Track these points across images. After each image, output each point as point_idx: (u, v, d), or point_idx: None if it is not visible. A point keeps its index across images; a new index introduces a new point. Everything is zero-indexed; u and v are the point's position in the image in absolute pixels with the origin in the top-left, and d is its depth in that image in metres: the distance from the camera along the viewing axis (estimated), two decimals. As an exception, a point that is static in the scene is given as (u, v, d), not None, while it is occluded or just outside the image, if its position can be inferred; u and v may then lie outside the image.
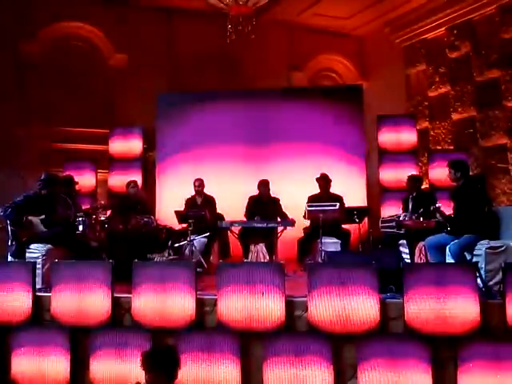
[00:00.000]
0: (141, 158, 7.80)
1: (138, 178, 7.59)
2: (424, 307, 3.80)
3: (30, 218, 4.95)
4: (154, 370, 2.99)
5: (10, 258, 4.98)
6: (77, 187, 6.26)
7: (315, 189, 6.77)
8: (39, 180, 5.22)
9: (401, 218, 5.75)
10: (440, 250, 4.72)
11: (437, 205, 4.89)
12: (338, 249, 6.06)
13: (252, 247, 6.35)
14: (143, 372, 3.05)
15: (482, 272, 4.36)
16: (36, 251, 4.88)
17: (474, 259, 4.51)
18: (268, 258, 6.22)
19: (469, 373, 3.64)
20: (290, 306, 4.00)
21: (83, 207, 6.27)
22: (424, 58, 8.99)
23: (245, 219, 6.61)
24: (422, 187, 6.59)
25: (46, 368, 4.08)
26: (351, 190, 7.35)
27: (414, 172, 7.03)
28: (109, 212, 6.47)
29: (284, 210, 6.75)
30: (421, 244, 5.20)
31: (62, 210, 5.21)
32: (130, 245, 5.58)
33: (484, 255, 4.46)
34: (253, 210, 6.69)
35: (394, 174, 7.33)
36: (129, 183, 6.75)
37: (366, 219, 6.55)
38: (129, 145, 7.82)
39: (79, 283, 4.18)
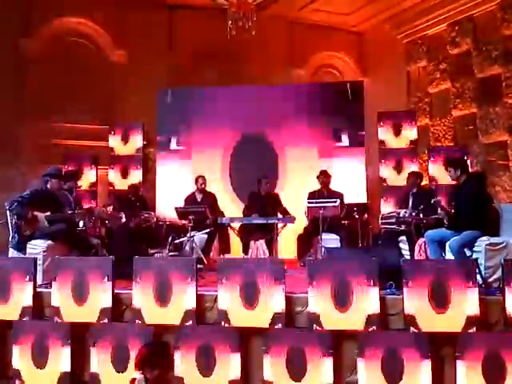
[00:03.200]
0: (141, 154, 7.80)
1: (138, 174, 7.63)
2: (424, 303, 3.81)
3: (35, 213, 4.96)
4: (149, 368, 3.01)
5: (11, 251, 5.00)
6: (78, 183, 6.28)
7: (315, 185, 6.79)
8: (45, 174, 5.22)
9: (401, 215, 5.75)
10: (439, 244, 4.74)
11: (437, 198, 4.90)
12: (338, 245, 6.07)
13: (252, 243, 6.36)
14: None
15: (482, 268, 4.37)
16: (37, 247, 4.89)
17: (474, 255, 4.51)
18: (268, 254, 6.23)
19: (468, 369, 3.65)
20: (290, 301, 4.02)
21: (83, 204, 6.30)
22: (425, 55, 8.97)
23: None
24: (422, 184, 6.59)
25: (46, 363, 4.10)
26: (351, 186, 7.35)
27: (414, 168, 7.04)
28: (109, 208, 6.49)
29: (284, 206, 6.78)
30: (421, 240, 5.20)
31: (67, 209, 5.23)
32: (131, 241, 5.59)
33: (484, 252, 4.47)
34: (252, 206, 6.70)
35: (395, 171, 7.33)
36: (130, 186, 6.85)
37: (365, 215, 6.55)
38: (129, 141, 7.82)
39: (80, 279, 4.19)
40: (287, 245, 6.54)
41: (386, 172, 7.41)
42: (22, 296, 4.25)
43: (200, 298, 4.11)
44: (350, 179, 7.49)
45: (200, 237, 6.18)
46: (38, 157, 7.60)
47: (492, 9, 7.82)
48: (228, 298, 4.00)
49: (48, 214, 5.02)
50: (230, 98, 7.91)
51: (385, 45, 9.46)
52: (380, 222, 6.09)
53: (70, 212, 5.22)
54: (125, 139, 7.81)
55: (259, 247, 6.29)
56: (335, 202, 5.96)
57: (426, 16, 8.70)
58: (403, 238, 5.62)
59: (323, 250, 5.57)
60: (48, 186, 5.19)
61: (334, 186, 6.79)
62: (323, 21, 9.52)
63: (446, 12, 8.40)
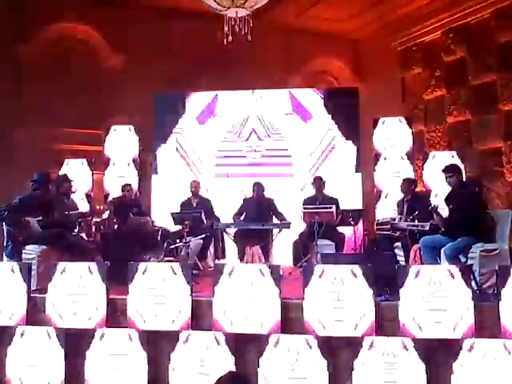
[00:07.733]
0: (137, 159, 7.79)
1: (134, 179, 7.60)
2: (419, 309, 3.82)
3: (27, 218, 4.94)
4: None
5: (5, 259, 4.97)
6: (73, 188, 6.23)
7: (311, 191, 6.80)
8: (32, 181, 5.21)
9: (396, 221, 5.76)
10: (434, 250, 4.75)
11: (434, 204, 4.90)
12: (333, 251, 6.07)
13: (247, 249, 6.35)
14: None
15: (477, 275, 4.38)
16: (31, 252, 4.87)
17: (469, 262, 4.53)
18: (263, 260, 6.23)
19: (462, 376, 3.66)
20: (285, 308, 4.01)
21: (79, 209, 6.27)
22: (420, 62, 9.04)
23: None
24: (417, 190, 6.61)
25: (40, 370, 4.07)
26: (346, 192, 7.37)
27: (409, 175, 7.06)
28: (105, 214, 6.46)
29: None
30: (416, 247, 5.21)
31: (59, 211, 5.21)
32: (126, 246, 5.57)
33: (478, 258, 4.49)
34: (243, 210, 6.69)
35: (389, 177, 7.35)
36: (124, 186, 6.75)
37: (361, 222, 6.56)
38: (125, 146, 7.81)
39: (74, 285, 4.17)
40: (283, 251, 6.53)
41: (381, 178, 7.42)
42: (16, 302, 4.22)
43: (195, 304, 4.10)
44: (345, 185, 7.51)
45: (195, 242, 6.17)
46: (35, 161, 7.57)
47: (487, 16, 7.90)
48: (223, 304, 3.99)
49: (40, 218, 5.00)
50: (227, 104, 7.93)
51: (380, 52, 9.51)
52: (375, 228, 6.09)
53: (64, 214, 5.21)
54: (121, 144, 7.79)
55: (255, 253, 6.29)
56: (330, 207, 5.97)
57: (421, 23, 8.77)
58: (398, 244, 5.63)
59: (319, 255, 5.57)
60: (36, 191, 5.15)
61: (328, 192, 6.80)
62: (319, 27, 9.58)
63: (441, 20, 8.48)
